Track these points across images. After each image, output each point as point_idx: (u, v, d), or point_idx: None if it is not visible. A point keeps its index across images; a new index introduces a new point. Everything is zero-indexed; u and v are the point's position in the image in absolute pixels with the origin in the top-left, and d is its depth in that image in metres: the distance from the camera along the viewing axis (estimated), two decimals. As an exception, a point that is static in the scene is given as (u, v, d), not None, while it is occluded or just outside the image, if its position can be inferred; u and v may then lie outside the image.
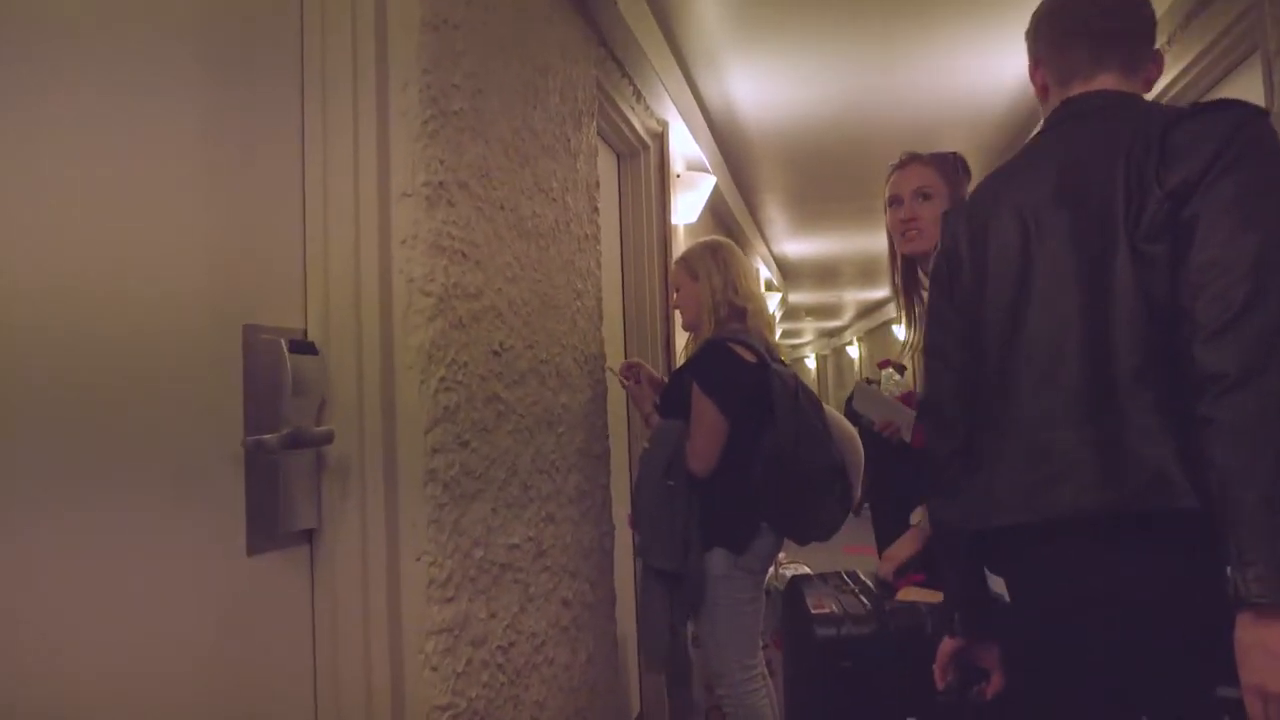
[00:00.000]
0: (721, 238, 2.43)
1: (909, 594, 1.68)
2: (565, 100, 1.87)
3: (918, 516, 1.78)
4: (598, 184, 2.08)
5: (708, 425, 2.14)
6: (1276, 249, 1.01)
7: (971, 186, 1.95)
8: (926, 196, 1.93)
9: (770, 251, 7.72)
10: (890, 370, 2.26)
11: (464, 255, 1.39)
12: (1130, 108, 1.25)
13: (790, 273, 9.36)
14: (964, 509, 1.28)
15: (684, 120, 3.10)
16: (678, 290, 2.38)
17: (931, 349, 1.40)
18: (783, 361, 2.29)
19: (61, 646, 0.86)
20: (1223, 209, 1.05)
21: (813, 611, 1.63)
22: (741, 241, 6.14)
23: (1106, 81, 1.30)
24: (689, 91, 3.22)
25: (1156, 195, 1.10)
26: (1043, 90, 1.40)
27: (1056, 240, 1.22)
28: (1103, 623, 1.13)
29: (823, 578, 1.88)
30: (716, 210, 4.84)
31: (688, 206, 3.20)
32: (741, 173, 4.96)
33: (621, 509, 2.23)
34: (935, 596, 1.66)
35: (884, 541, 1.85)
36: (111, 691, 0.91)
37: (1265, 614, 0.95)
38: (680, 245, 3.10)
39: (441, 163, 1.34)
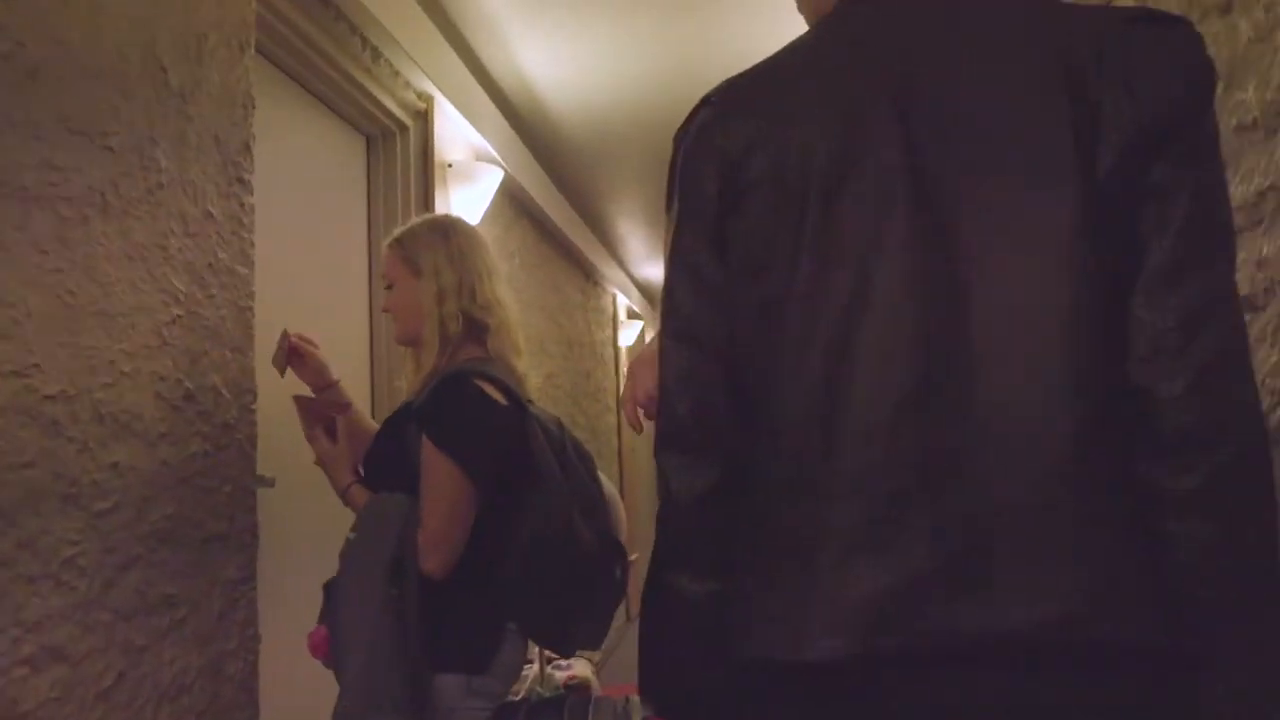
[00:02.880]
0: (456, 217, 1.79)
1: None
2: (157, 6, 1.26)
3: None
4: (248, 145, 1.47)
5: (449, 498, 1.47)
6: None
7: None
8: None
9: (631, 277, 7.20)
10: None
11: None
12: None
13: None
14: (758, 626, 0.75)
15: (451, 99, 2.51)
16: (390, 287, 1.68)
17: (679, 327, 0.82)
18: (531, 402, 1.68)
19: None
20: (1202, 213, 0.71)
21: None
22: (590, 271, 5.57)
23: None
24: (458, 59, 2.64)
25: (1117, 137, 0.71)
26: None
27: (947, 166, 0.74)
28: None
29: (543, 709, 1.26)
30: (546, 229, 4.26)
31: (466, 204, 2.61)
32: (572, 182, 4.41)
33: (279, 610, 1.58)
34: None
35: None
36: None
37: None
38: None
39: None
